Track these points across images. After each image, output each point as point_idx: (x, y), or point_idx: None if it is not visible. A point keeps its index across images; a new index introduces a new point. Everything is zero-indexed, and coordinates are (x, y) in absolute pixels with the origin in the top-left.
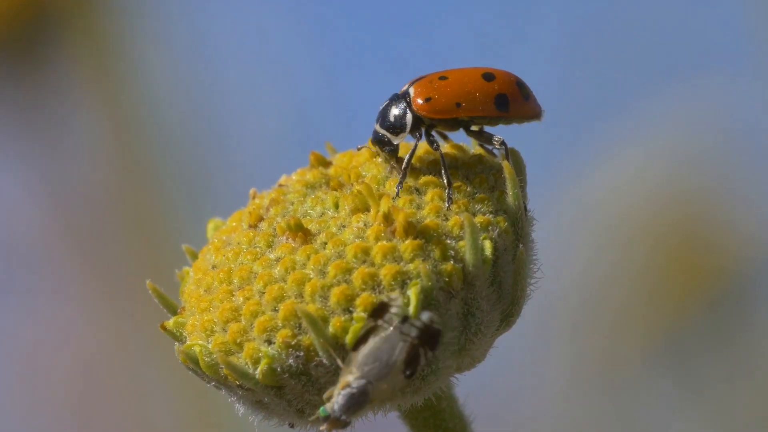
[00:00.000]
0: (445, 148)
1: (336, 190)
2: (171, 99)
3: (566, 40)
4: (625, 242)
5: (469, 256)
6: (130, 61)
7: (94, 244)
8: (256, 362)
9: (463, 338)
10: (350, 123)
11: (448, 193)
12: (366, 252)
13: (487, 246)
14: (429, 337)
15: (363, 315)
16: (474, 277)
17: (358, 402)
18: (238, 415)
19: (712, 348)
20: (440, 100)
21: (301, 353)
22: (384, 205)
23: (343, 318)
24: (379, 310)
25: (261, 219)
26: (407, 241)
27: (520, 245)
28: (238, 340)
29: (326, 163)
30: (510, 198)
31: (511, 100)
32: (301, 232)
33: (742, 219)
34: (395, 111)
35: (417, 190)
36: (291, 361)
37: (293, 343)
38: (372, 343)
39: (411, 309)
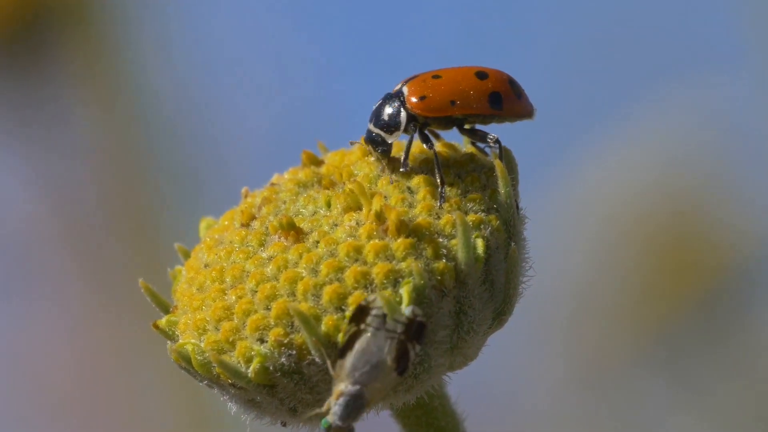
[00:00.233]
0: (437, 146)
1: (328, 188)
2: (166, 98)
3: (556, 39)
4: (618, 240)
5: (461, 254)
6: (126, 60)
7: (87, 242)
8: (248, 361)
9: (455, 336)
10: (342, 122)
11: (441, 192)
12: (358, 250)
13: (480, 244)
14: (415, 331)
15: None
16: (466, 276)
17: (355, 408)
18: (230, 414)
19: (704, 346)
20: (435, 98)
21: (294, 352)
22: (376, 204)
23: (335, 316)
24: (359, 314)
25: (253, 218)
26: (399, 240)
27: (513, 243)
28: (231, 339)
29: (318, 162)
30: (502, 196)
31: (504, 98)
32: (293, 231)
33: (734, 217)
34: (389, 110)
35: (409, 188)
36: (283, 359)
37: (285, 341)
38: (359, 346)
39: (402, 307)
